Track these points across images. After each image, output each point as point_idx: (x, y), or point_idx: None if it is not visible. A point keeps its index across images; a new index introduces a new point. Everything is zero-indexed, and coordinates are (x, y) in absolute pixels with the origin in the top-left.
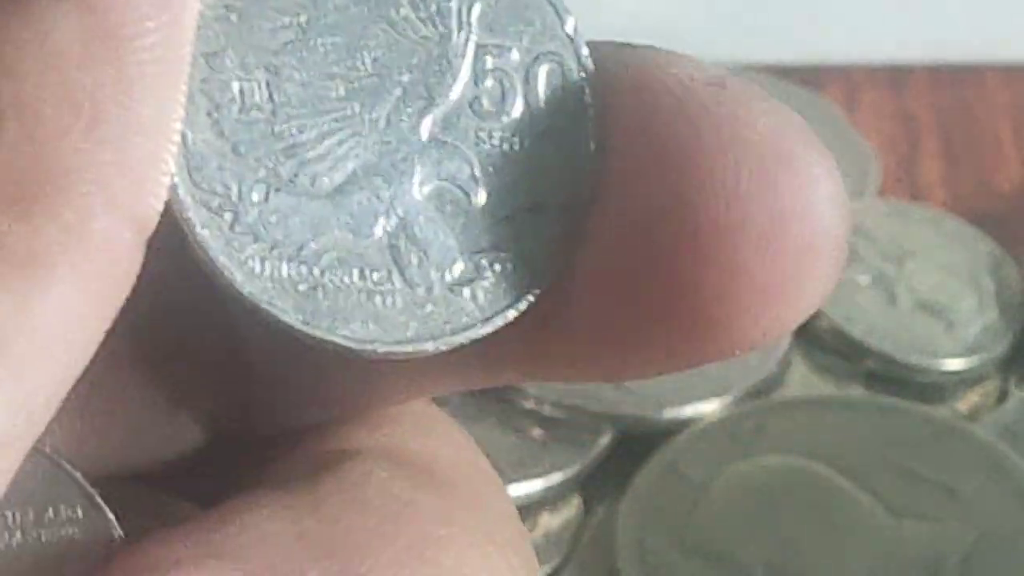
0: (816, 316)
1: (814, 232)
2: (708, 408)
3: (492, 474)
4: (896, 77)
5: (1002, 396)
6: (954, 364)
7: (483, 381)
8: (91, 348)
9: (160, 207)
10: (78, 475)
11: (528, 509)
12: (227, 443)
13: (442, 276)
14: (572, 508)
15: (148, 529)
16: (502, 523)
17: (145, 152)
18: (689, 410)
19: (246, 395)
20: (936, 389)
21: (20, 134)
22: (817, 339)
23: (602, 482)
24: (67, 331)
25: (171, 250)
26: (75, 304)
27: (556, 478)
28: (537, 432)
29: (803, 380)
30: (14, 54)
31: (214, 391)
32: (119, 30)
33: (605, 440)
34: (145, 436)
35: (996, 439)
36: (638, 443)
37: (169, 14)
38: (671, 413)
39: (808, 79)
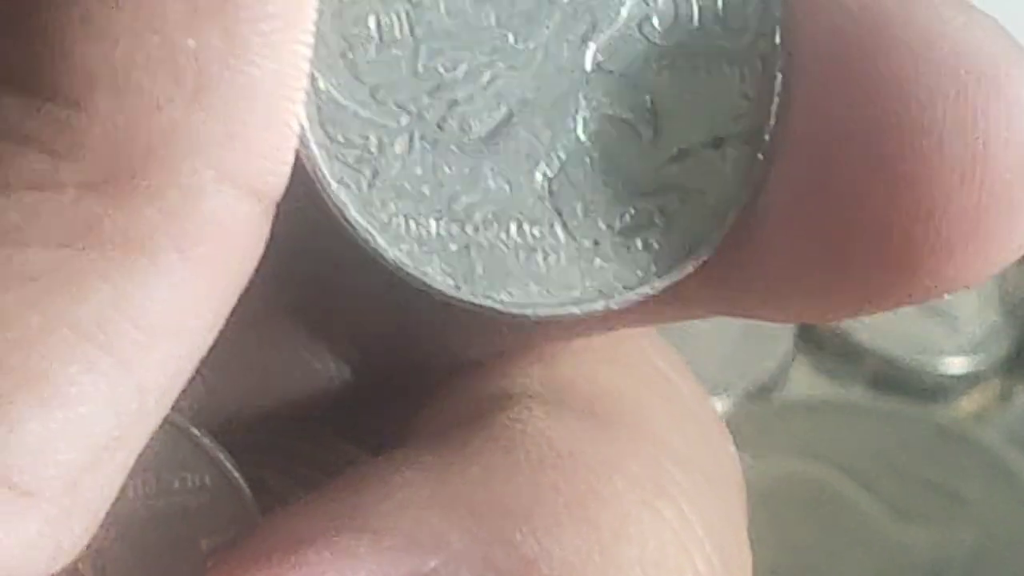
0: None
1: (1022, 160)
2: None
3: (684, 397)
4: None
5: (1005, 395)
6: (957, 364)
7: (666, 319)
8: (210, 335)
9: (286, 173)
10: (206, 441)
11: None
12: (377, 383)
13: (610, 226)
14: None
15: (290, 487)
16: (682, 464)
17: (261, 118)
18: None
19: (394, 330)
20: (939, 390)
21: (113, 106)
22: (819, 340)
23: None
24: (179, 320)
25: (307, 191)
26: (187, 292)
27: None
28: None
29: (805, 381)
30: (106, 14)
31: (358, 329)
32: None
33: None
34: (287, 376)
35: (1001, 443)
36: None
37: None
38: None
39: None
